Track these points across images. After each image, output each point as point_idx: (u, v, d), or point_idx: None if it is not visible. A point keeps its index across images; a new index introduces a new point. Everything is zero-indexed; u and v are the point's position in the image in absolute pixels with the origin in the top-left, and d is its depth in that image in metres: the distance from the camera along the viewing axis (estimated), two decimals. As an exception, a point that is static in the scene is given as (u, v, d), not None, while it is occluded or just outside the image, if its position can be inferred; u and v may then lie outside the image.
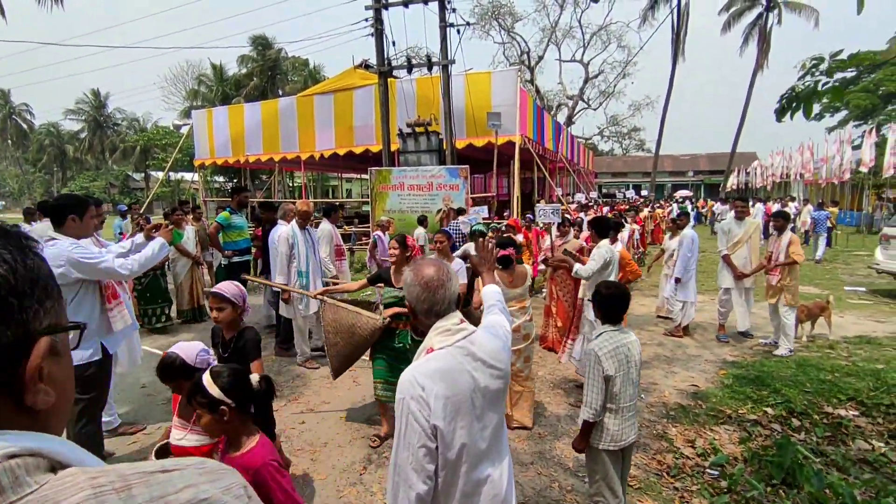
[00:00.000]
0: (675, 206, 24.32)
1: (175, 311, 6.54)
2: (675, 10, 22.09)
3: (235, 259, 5.68)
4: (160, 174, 44.12)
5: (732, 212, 6.30)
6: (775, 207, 16.90)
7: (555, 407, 4.27)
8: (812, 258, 12.20)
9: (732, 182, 29.56)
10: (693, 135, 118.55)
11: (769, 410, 4.14)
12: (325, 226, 5.44)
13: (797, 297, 5.58)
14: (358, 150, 15.36)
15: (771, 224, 5.89)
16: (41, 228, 5.25)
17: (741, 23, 24.52)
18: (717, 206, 18.28)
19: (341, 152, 15.71)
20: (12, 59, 56.10)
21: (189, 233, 6.18)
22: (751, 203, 16.41)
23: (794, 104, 2.57)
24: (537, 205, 10.08)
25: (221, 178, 36.77)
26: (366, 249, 8.91)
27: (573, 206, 14.34)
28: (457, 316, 1.42)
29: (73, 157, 51.16)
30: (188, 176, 40.01)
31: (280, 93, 31.74)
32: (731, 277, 5.96)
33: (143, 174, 47.74)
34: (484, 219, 8.95)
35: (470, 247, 5.02)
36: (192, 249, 6.21)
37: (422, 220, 8.63)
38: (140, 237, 3.32)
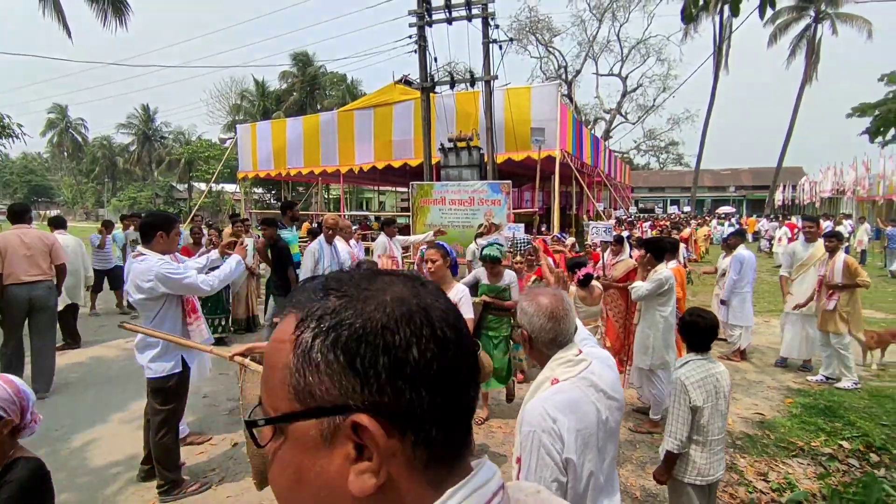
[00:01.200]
0: (714, 222, 23.58)
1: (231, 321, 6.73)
2: (718, 23, 21.69)
3: (287, 273, 5.79)
4: (202, 185, 45.97)
5: (782, 229, 6.02)
6: (825, 225, 16.17)
7: (613, 431, 4.16)
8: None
9: (778, 198, 28.50)
10: (734, 149, 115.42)
11: (845, 444, 3.91)
12: (381, 238, 5.51)
13: (859, 324, 5.26)
14: (396, 164, 15.57)
15: (823, 244, 5.56)
16: (64, 240, 5.63)
17: (788, 34, 23.84)
18: (764, 223, 17.60)
19: (380, 166, 15.97)
20: (72, 77, 59.76)
21: (248, 244, 6.37)
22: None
23: (889, 124, 2.45)
24: (590, 223, 9.95)
25: (260, 190, 37.95)
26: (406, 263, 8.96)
27: (611, 222, 14.10)
28: (576, 346, 1.40)
29: (122, 168, 53.78)
30: (228, 187, 41.48)
31: (319, 107, 32.61)
32: (791, 302, 5.71)
33: (186, 185, 49.70)
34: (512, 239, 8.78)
35: (481, 273, 4.23)
36: (250, 261, 6.40)
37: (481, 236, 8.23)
38: (215, 254, 3.42)
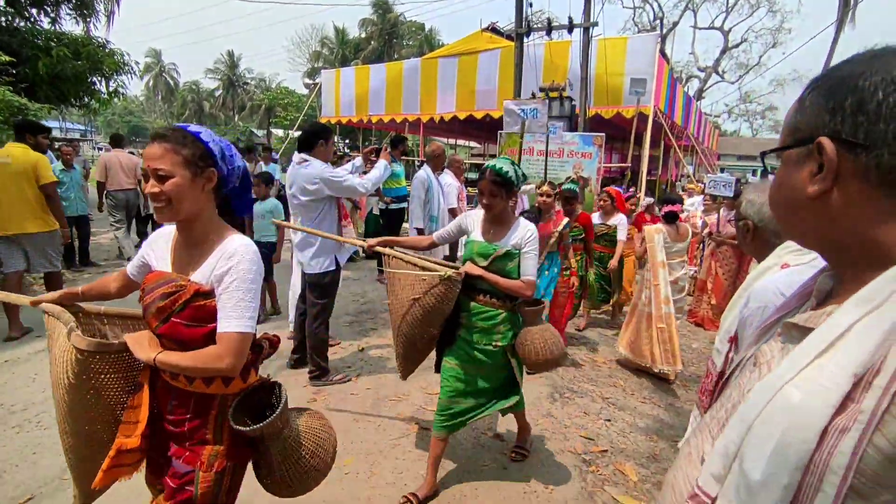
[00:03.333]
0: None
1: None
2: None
3: (393, 206, 6.05)
4: (279, 131, 47.89)
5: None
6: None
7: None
8: None
9: None
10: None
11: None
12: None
13: None
14: (479, 115, 15.38)
15: None
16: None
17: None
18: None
19: (462, 116, 15.83)
20: (165, 23, 62.80)
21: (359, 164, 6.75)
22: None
23: None
24: (708, 175, 9.46)
25: (335, 138, 39.03)
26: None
27: (732, 177, 13.29)
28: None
29: (208, 112, 56.85)
30: (305, 135, 42.85)
31: (396, 56, 32.44)
32: None
33: (265, 131, 51.89)
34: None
35: (471, 220, 2.46)
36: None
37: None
38: (359, 160, 3.67)
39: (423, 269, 2.21)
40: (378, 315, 4.92)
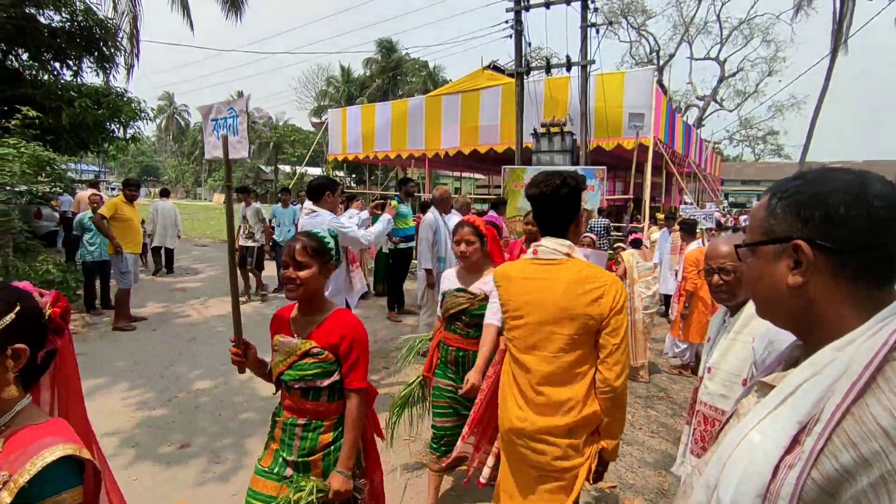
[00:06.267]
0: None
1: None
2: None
3: (401, 245, 6.23)
4: (287, 167, 49.15)
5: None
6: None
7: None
8: None
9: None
10: (848, 141, 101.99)
11: None
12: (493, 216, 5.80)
13: None
14: (482, 150, 15.77)
15: None
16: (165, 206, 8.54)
17: (923, 11, 20.96)
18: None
19: (466, 151, 16.23)
20: (185, 69, 65.39)
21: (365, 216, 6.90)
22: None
23: None
24: (684, 207, 9.69)
25: (341, 173, 39.90)
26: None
27: (713, 209, 13.43)
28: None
29: (218, 150, 58.41)
30: (312, 170, 44.04)
31: (400, 94, 33.40)
32: None
33: (272, 167, 53.09)
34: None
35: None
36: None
37: None
38: (366, 213, 3.85)
39: None
40: (389, 354, 5.03)
